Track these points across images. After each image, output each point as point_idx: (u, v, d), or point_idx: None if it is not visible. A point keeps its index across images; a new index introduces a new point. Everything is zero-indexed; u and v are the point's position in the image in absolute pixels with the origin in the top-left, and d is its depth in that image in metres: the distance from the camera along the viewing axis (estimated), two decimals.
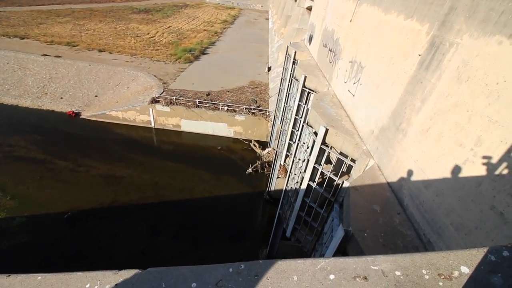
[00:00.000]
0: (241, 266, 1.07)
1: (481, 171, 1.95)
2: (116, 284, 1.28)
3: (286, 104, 9.18)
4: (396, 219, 2.85)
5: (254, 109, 13.63)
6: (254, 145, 13.21)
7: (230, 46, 24.84)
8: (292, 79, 8.70)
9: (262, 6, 54.23)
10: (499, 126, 1.84)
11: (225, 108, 13.59)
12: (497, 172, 1.84)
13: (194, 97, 14.24)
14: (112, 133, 13.47)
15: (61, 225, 8.79)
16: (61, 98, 14.85)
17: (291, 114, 8.05)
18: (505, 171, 1.78)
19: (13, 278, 1.35)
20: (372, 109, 3.88)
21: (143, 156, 12.23)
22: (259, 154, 12.52)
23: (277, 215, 7.30)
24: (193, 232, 9.00)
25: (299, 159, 5.85)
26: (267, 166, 11.78)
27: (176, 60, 19.19)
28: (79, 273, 1.49)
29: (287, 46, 9.43)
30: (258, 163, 11.90)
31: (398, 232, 2.68)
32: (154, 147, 13.22)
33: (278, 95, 10.52)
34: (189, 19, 34.63)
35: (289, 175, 6.44)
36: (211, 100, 14.00)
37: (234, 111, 13.54)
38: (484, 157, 1.96)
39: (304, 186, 5.27)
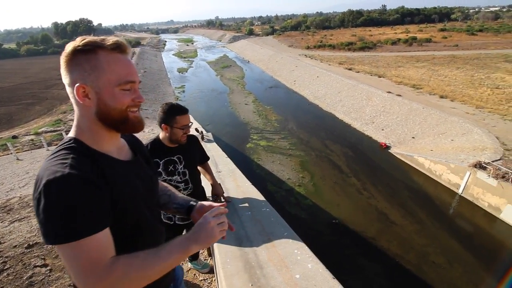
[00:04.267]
0: None
1: None
2: None
3: None
4: None
5: None
6: None
7: None
8: None
9: None
10: None
11: None
12: None
13: None
14: (408, 177, 12.81)
15: (328, 226, 10.13)
16: (382, 129, 16.53)
17: None
18: None
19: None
20: None
21: (426, 216, 10.40)
22: None
23: None
24: None
25: None
26: None
27: None
28: None
29: None
30: None
31: None
32: (446, 216, 10.69)
33: None
34: None
35: None
36: None
37: None
38: None
39: None
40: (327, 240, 9.56)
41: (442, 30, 54.89)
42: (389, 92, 20.11)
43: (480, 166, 10.90)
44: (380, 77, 25.02)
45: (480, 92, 18.79)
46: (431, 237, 9.51)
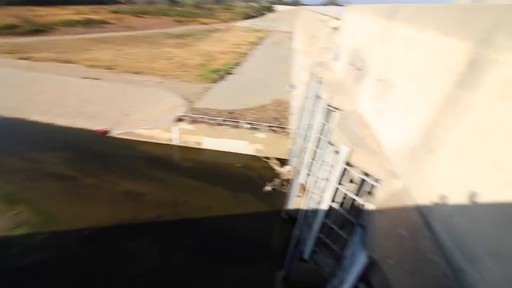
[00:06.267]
0: None
1: None
2: None
3: (309, 122, 8.83)
4: (424, 245, 2.65)
5: (275, 127, 13.32)
6: (275, 162, 12.94)
7: (255, 66, 25.29)
8: (316, 98, 8.37)
9: (288, 27, 55.45)
10: None
11: (247, 125, 13.44)
12: None
13: (217, 115, 14.33)
14: (136, 150, 13.89)
15: (82, 242, 8.87)
16: (95, 117, 15.83)
17: (314, 132, 7.74)
18: None
19: None
20: (400, 128, 3.59)
21: (164, 173, 12.31)
22: (278, 172, 12.28)
23: (294, 236, 7.00)
24: (208, 252, 8.78)
25: (320, 178, 5.41)
26: (286, 184, 11.44)
27: (202, 80, 19.82)
28: None
29: (312, 65, 9.22)
30: (277, 181, 11.67)
31: (427, 259, 2.53)
32: (175, 164, 13.32)
33: (301, 114, 10.18)
34: (219, 42, 36.34)
35: (309, 194, 5.97)
36: (234, 119, 13.97)
37: (256, 129, 13.32)
38: None
39: (324, 206, 4.94)
40: (82, 255, 8.51)
41: (114, 12, 57.67)
42: (86, 78, 19.00)
43: (180, 119, 14.21)
44: (69, 63, 22.52)
45: (160, 64, 23.16)
46: (174, 185, 11.55)
